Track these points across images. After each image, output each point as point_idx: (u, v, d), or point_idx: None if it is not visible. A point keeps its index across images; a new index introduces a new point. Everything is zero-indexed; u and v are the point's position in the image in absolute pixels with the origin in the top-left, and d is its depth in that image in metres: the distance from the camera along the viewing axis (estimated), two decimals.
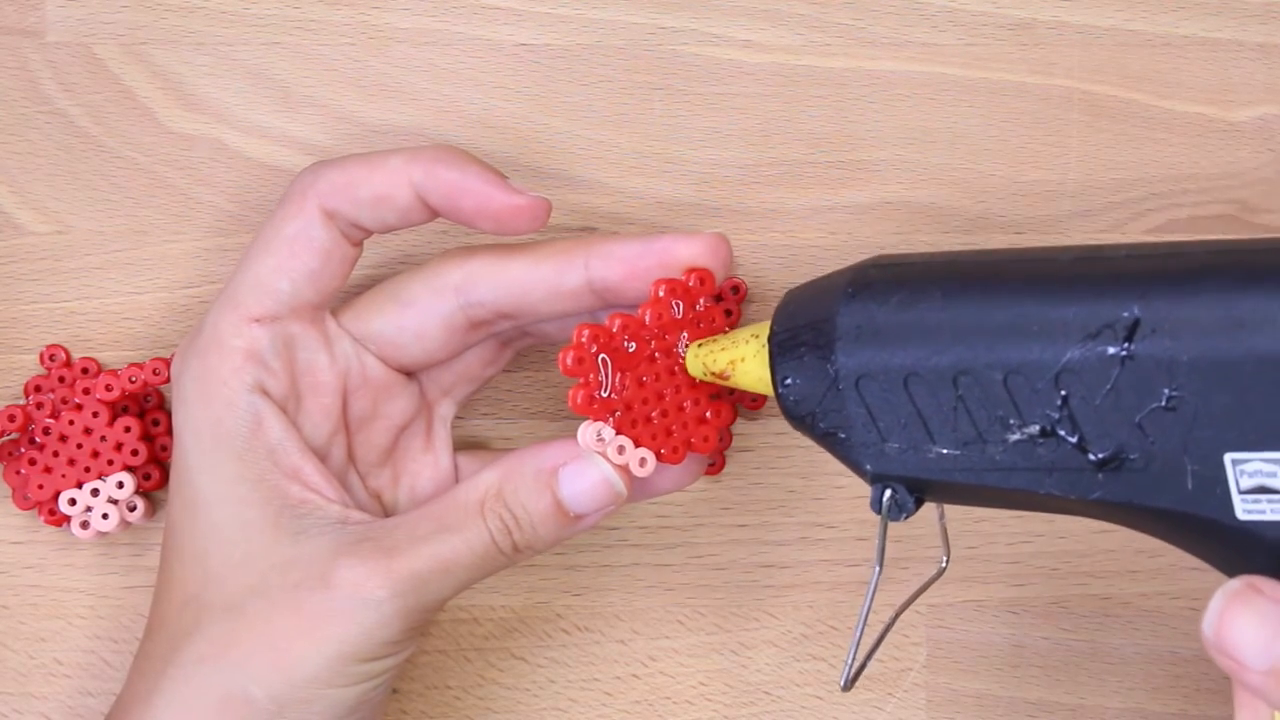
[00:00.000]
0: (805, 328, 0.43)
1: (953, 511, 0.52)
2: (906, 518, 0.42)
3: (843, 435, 0.43)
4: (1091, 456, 0.40)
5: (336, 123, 0.52)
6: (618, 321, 0.45)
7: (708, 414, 0.47)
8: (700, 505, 0.52)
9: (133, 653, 0.50)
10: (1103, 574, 0.52)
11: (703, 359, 0.46)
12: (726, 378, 0.45)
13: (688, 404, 0.46)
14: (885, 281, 0.42)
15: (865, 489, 0.52)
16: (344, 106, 0.52)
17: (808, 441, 0.52)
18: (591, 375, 0.44)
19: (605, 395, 0.44)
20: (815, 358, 0.42)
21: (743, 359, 0.45)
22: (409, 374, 0.49)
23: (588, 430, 0.45)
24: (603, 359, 0.44)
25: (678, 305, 0.45)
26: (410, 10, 0.52)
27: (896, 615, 0.46)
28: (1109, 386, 0.39)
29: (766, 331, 0.44)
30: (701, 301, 0.46)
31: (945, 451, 0.41)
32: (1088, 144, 0.52)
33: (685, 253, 0.46)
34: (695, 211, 0.52)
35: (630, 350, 0.45)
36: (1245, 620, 0.37)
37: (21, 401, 0.51)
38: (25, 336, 0.52)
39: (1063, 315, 0.40)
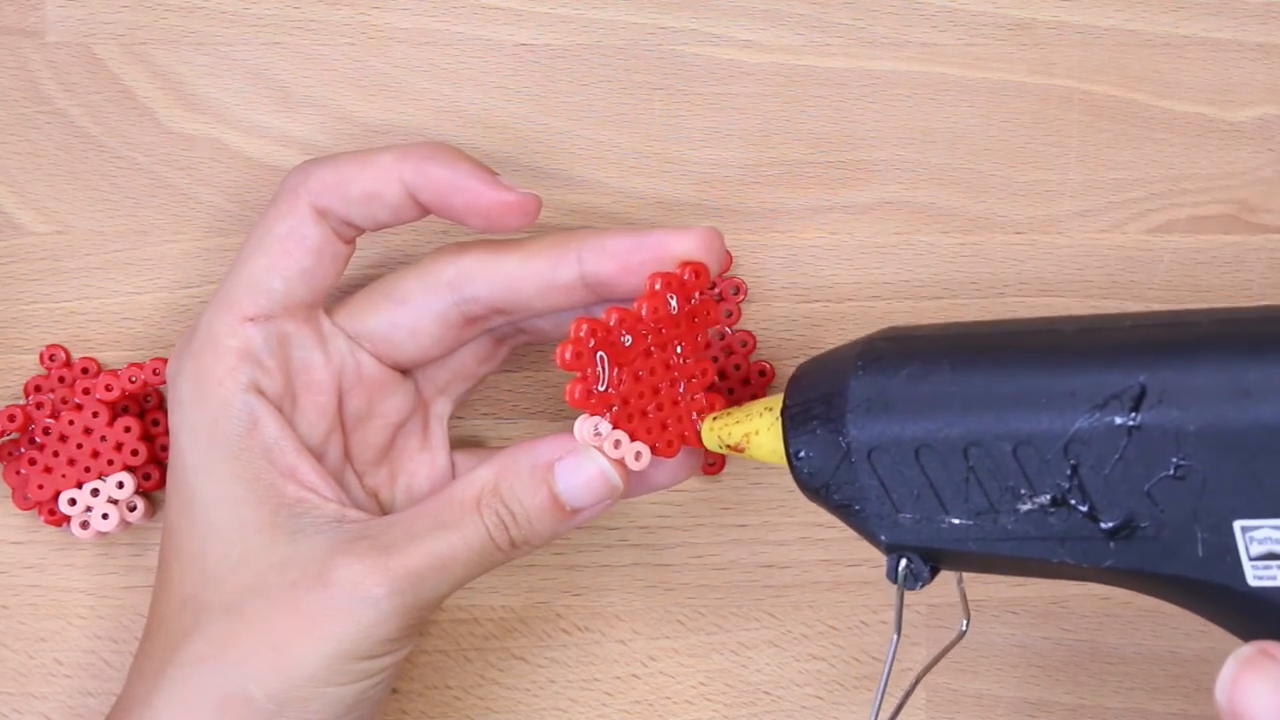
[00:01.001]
0: (817, 401, 0.43)
1: None
2: (922, 586, 0.43)
3: (857, 507, 0.43)
4: (1102, 525, 0.40)
5: (336, 123, 0.52)
6: (614, 316, 0.45)
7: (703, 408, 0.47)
8: (700, 505, 0.52)
9: (133, 653, 0.49)
10: None
11: (718, 432, 0.46)
12: (741, 450, 0.46)
13: (683, 398, 0.46)
14: (895, 354, 0.43)
15: None
16: (344, 106, 0.52)
17: None
18: (589, 370, 0.44)
19: (602, 390, 0.45)
20: (827, 431, 0.43)
21: (757, 432, 0.45)
22: (404, 372, 0.49)
23: (584, 425, 0.45)
24: (600, 354, 0.44)
25: (673, 299, 0.45)
26: (410, 10, 0.52)
27: (916, 681, 0.46)
28: (1118, 456, 0.40)
29: (779, 404, 0.45)
30: (696, 295, 0.46)
31: (958, 522, 0.42)
32: (1088, 144, 0.52)
33: (679, 247, 0.45)
34: (695, 211, 0.52)
35: (626, 345, 0.45)
36: (1258, 686, 0.37)
37: (21, 401, 0.51)
38: (25, 336, 0.52)
39: (1070, 386, 0.40)
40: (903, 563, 0.43)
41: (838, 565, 0.52)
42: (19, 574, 0.52)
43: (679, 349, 0.46)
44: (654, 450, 0.46)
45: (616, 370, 0.45)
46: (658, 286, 0.45)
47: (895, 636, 0.43)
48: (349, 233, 0.46)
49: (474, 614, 0.52)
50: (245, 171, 0.52)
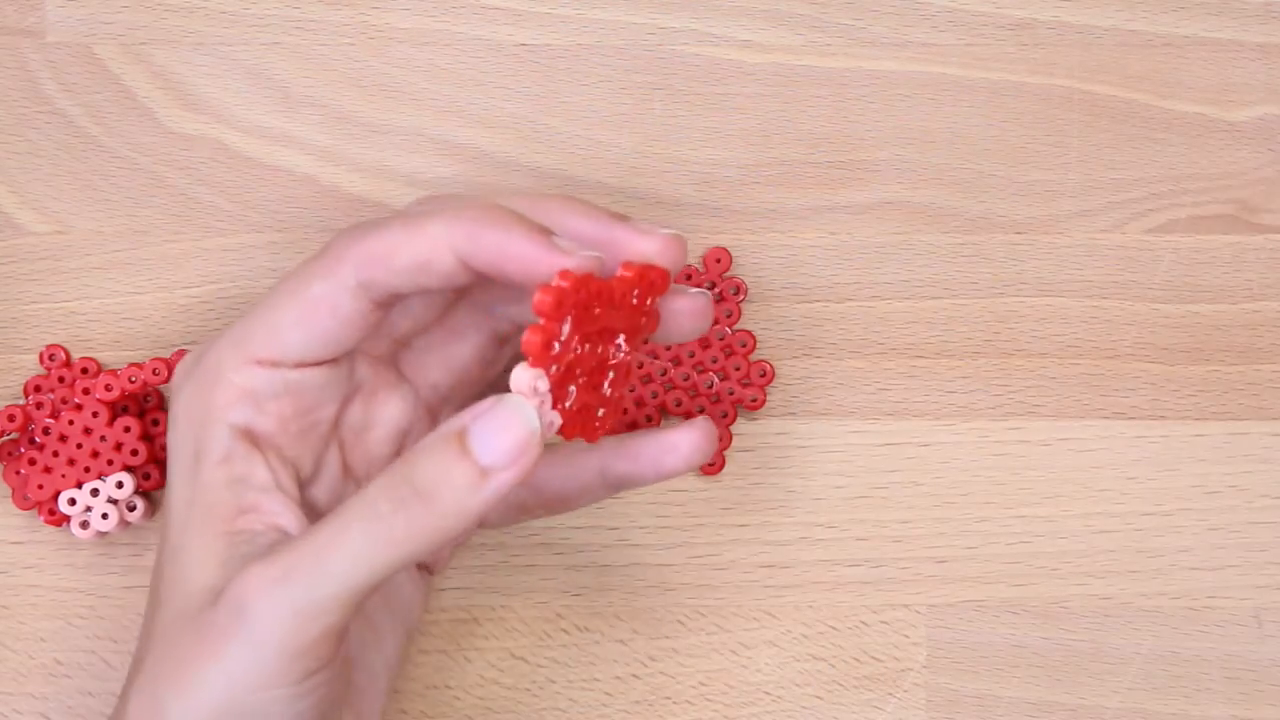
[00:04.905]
0: None
1: (952, 509, 0.52)
2: None
3: None
4: None
5: (336, 123, 0.52)
6: (593, 281, 0.41)
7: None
8: (700, 505, 0.52)
9: (132, 653, 0.49)
10: (1103, 574, 0.52)
11: None
12: None
13: (611, 390, 0.43)
14: None
15: (865, 489, 0.52)
16: (344, 106, 0.52)
17: (808, 441, 0.52)
18: (557, 324, 0.41)
19: (557, 350, 0.41)
20: None
21: None
22: (400, 374, 0.48)
23: (526, 374, 0.41)
24: (569, 314, 0.41)
25: (636, 293, 0.43)
26: (410, 10, 0.52)
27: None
28: None
29: None
30: (651, 301, 0.44)
31: None
32: (1088, 144, 0.52)
33: (642, 248, 0.43)
34: (695, 211, 0.52)
35: (595, 314, 0.42)
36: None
37: (21, 401, 0.51)
38: (25, 336, 0.52)
39: None
40: None
41: (838, 565, 0.52)
42: (19, 574, 0.52)
43: (621, 342, 0.43)
44: (563, 430, 0.42)
45: (576, 337, 0.42)
46: (629, 275, 0.43)
47: None
48: (391, 300, 0.44)
49: (474, 614, 0.52)
50: (245, 171, 0.52)
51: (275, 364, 0.44)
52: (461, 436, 0.40)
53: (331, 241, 0.44)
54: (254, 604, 0.41)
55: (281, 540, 0.43)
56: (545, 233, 0.42)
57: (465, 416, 0.41)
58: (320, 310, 0.44)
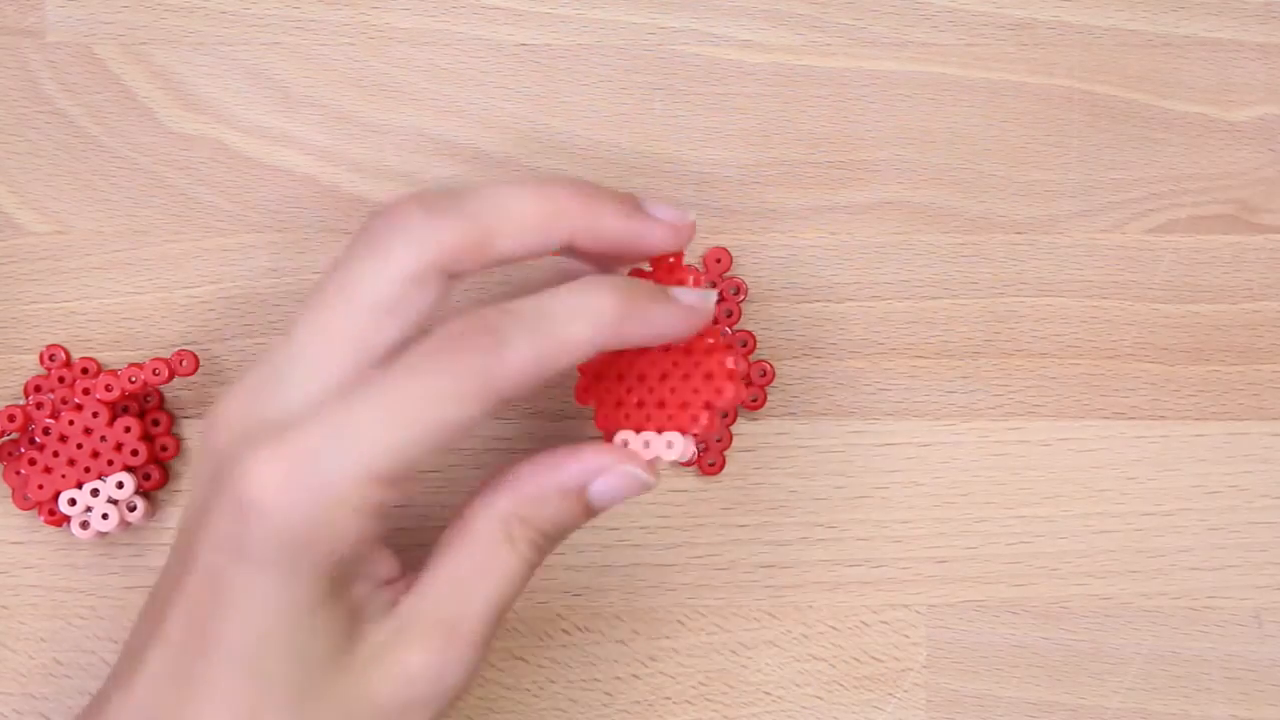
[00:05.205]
0: None
1: (952, 509, 0.52)
2: None
3: None
4: None
5: (336, 123, 0.52)
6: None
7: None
8: (701, 505, 0.52)
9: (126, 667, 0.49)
10: (1103, 574, 0.52)
11: None
12: None
13: (693, 371, 0.45)
14: None
15: (865, 489, 0.52)
16: (344, 106, 0.52)
17: (808, 441, 0.52)
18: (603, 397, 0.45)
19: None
20: None
21: None
22: None
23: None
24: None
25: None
26: (410, 10, 0.52)
27: None
28: None
29: None
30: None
31: None
32: (1088, 144, 0.52)
33: (673, 245, 0.45)
34: (695, 211, 0.52)
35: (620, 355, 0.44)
36: None
37: (21, 401, 0.51)
38: (25, 336, 0.52)
39: None
40: None
41: (838, 565, 0.52)
42: (19, 574, 0.52)
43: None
44: (684, 431, 0.44)
45: (622, 380, 0.45)
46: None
47: None
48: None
49: None
50: (245, 171, 0.52)
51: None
52: (586, 500, 0.44)
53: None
54: (456, 682, 0.43)
55: (409, 597, 0.43)
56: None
57: (588, 473, 0.44)
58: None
